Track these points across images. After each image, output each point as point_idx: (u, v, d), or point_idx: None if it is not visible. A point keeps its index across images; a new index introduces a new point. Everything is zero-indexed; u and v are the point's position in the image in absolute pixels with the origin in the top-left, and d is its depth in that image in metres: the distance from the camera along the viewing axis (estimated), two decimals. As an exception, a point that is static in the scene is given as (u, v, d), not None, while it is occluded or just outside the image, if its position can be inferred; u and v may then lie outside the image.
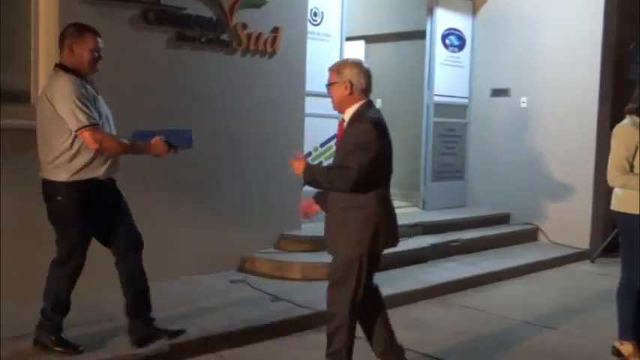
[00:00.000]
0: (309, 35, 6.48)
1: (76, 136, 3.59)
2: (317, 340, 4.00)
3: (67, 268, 3.77)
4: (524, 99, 8.20)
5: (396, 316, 5.15)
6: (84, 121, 3.53)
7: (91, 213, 3.73)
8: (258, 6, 5.84)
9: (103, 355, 3.83)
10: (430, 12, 8.22)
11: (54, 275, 3.80)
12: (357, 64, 3.53)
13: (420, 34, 8.48)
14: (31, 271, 4.28)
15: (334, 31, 7.12)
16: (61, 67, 3.71)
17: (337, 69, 3.53)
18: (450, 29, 8.34)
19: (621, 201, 4.22)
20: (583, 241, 7.71)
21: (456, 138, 8.62)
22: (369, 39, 9.58)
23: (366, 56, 9.59)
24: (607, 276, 6.42)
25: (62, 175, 3.62)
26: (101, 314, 4.43)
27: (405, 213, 7.70)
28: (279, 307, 4.90)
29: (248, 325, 4.47)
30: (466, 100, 8.66)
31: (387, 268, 6.08)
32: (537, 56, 8.03)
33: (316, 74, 5.97)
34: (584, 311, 5.56)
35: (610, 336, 4.36)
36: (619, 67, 7.74)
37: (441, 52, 8.26)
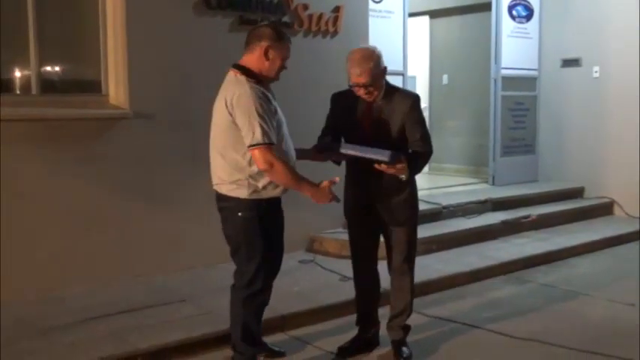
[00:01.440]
0: (370, 13, 6.42)
1: None
2: (383, 315, 4.00)
3: (249, 292, 3.42)
4: (596, 68, 7.92)
5: (470, 294, 5.18)
6: (259, 138, 3.17)
7: (270, 233, 3.44)
8: (318, -14, 5.83)
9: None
10: (495, -17, 8.01)
11: (236, 302, 3.49)
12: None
13: (485, 7, 8.27)
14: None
15: (396, 7, 7.04)
16: (242, 69, 3.32)
17: (374, 62, 3.48)
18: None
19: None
20: (662, 214, 7.44)
21: (526, 111, 8.40)
22: (433, 14, 9.43)
23: (431, 32, 9.50)
24: (689, 249, 6.18)
25: (243, 192, 3.32)
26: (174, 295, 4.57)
27: (475, 189, 7.60)
28: (347, 286, 4.91)
29: (317, 305, 4.52)
30: (535, 72, 8.42)
31: (457, 245, 6.07)
32: (609, 23, 7.73)
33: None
34: (664, 286, 5.37)
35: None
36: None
37: (508, 24, 8.05)
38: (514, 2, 8.08)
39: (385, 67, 3.55)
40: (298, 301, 4.57)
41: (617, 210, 7.84)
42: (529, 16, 8.27)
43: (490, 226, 6.52)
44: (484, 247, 6.13)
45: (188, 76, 5.17)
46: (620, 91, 7.70)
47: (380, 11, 6.81)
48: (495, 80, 8.05)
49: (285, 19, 5.66)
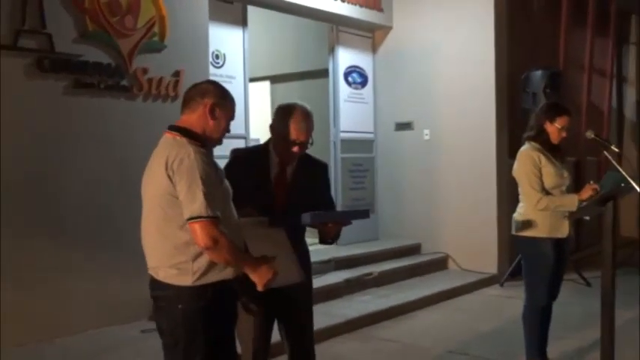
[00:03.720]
0: (212, 77, 6.46)
1: None
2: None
3: None
4: (427, 131, 8.45)
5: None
6: (201, 209, 2.67)
7: (217, 329, 2.86)
8: (159, 50, 5.81)
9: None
10: (331, 51, 8.40)
11: None
12: None
13: (323, 73, 8.64)
14: None
15: (237, 72, 7.16)
16: (181, 131, 2.86)
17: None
18: (351, 67, 8.54)
19: (519, 225, 4.41)
20: (491, 267, 7.94)
21: (365, 172, 8.77)
22: (274, 79, 9.68)
23: (272, 96, 9.72)
24: (515, 299, 6.59)
25: (185, 279, 2.77)
26: None
27: (318, 249, 7.69)
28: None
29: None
30: (372, 135, 8.85)
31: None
32: (436, 89, 8.32)
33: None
34: (495, 334, 5.71)
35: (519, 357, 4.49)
36: (513, 97, 8.12)
37: (344, 90, 8.43)
38: (349, 69, 8.50)
39: None
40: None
41: (451, 264, 8.29)
42: (364, 83, 8.72)
43: (335, 284, 6.65)
44: (330, 306, 6.22)
45: (18, 139, 4.92)
46: (448, 152, 8.25)
47: (221, 76, 6.87)
48: (335, 143, 8.35)
49: (124, 82, 5.57)
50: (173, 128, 2.89)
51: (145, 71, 5.69)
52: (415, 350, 5.31)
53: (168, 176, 2.74)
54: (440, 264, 8.23)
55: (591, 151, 8.91)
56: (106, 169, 5.44)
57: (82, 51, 5.28)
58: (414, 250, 8.40)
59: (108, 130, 5.48)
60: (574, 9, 9.39)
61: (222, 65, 6.97)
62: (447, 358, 5.09)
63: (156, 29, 5.79)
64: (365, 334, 5.72)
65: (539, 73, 7.74)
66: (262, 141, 9.37)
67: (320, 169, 3.58)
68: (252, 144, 7.53)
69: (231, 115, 2.97)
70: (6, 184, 4.84)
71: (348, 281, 6.79)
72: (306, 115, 3.37)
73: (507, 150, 7.85)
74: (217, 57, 6.88)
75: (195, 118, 2.87)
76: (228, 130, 2.97)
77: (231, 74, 7.06)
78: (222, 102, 2.91)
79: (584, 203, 4.13)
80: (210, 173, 2.75)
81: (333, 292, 6.52)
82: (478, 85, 7.98)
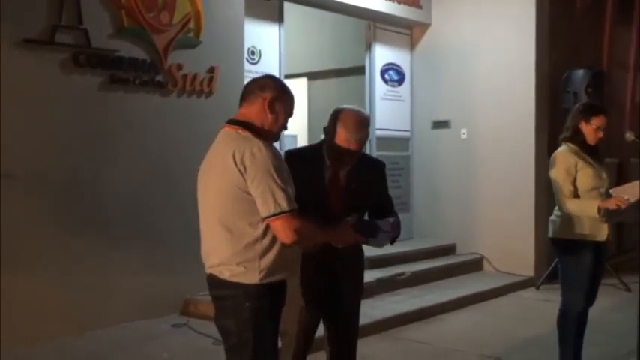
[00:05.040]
0: (246, 74, 6.47)
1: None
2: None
3: None
4: (464, 130, 8.33)
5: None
6: (283, 205, 2.63)
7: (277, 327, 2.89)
8: (193, 46, 5.83)
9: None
10: (368, 48, 8.33)
11: None
12: None
13: (360, 70, 8.58)
14: None
15: (273, 69, 7.13)
16: (242, 124, 2.78)
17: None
18: (388, 64, 8.46)
19: (557, 227, 4.31)
20: (528, 269, 7.80)
21: (400, 171, 8.68)
22: (311, 76, 9.66)
23: (309, 92, 9.71)
24: (552, 302, 6.41)
25: (252, 277, 2.72)
26: None
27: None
28: (220, 350, 4.77)
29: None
30: (408, 133, 8.76)
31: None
32: (475, 88, 8.19)
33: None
34: (529, 339, 5.59)
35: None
36: (553, 97, 7.95)
37: (380, 87, 8.36)
38: (386, 66, 8.42)
39: None
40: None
41: (486, 265, 8.16)
42: (401, 80, 8.63)
43: (366, 284, 6.56)
44: (361, 305, 6.15)
45: (55, 134, 5.00)
46: (486, 152, 8.12)
47: (256, 72, 6.85)
48: (370, 141, 8.28)
49: (159, 78, 5.60)
50: (233, 122, 2.81)
51: (179, 67, 5.71)
52: (446, 353, 5.23)
53: (239, 172, 2.64)
54: (475, 265, 8.11)
55: (635, 152, 8.67)
56: (140, 164, 5.49)
57: (118, 47, 5.32)
58: (448, 250, 8.29)
59: (142, 126, 5.52)
60: (619, 6, 9.15)
61: (257, 61, 6.96)
62: (477, 361, 5.01)
63: (191, 25, 5.81)
64: (395, 335, 5.66)
65: (580, 72, 7.58)
66: (299, 138, 9.50)
67: (377, 169, 3.45)
68: (288, 140, 7.54)
69: (289, 111, 2.89)
70: (41, 179, 4.90)
71: (379, 280, 6.73)
72: (361, 124, 3.19)
73: (547, 151, 7.67)
74: (253, 53, 6.88)
75: (253, 112, 2.80)
76: (285, 127, 2.91)
77: (266, 71, 7.02)
78: (281, 96, 2.83)
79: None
80: (282, 166, 2.71)
81: (365, 292, 6.43)
82: (517, 84, 7.83)
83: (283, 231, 2.65)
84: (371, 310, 6.03)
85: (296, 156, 3.37)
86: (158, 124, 5.62)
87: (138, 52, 5.45)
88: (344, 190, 3.27)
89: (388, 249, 7.41)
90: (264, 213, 2.64)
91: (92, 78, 5.22)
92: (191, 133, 5.71)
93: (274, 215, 2.63)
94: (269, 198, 2.62)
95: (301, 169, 3.08)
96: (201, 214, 2.85)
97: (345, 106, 3.29)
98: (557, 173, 4.21)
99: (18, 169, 4.77)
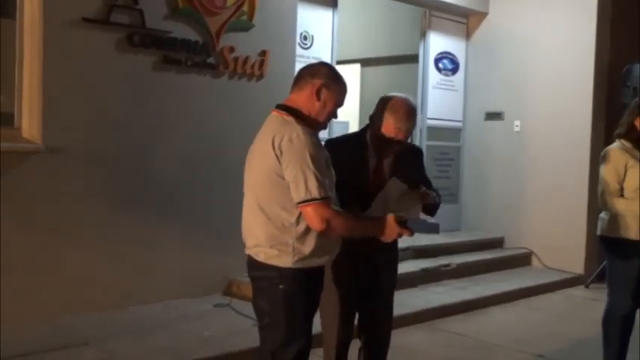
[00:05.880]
0: (298, 59, 6.47)
1: None
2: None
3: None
4: (517, 123, 8.17)
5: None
6: (314, 192, 2.63)
7: (312, 314, 2.90)
8: (246, 29, 5.85)
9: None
10: (423, 36, 8.23)
11: None
12: None
13: (413, 58, 8.49)
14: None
15: (325, 54, 7.13)
16: (288, 110, 2.80)
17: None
18: (442, 53, 8.35)
19: (606, 225, 4.20)
20: (577, 266, 7.63)
21: (450, 161, 8.58)
22: (364, 62, 9.61)
23: (362, 79, 9.66)
24: (600, 302, 6.24)
25: (286, 260, 2.73)
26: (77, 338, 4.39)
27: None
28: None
29: (224, 352, 4.41)
30: (460, 124, 8.64)
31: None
32: (530, 80, 8.01)
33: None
34: (574, 338, 5.47)
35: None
36: (612, 91, 7.72)
37: (434, 76, 8.26)
38: (440, 55, 8.31)
39: None
40: (206, 346, 4.46)
41: (534, 261, 8.01)
42: (455, 70, 8.50)
43: (410, 273, 6.55)
44: (403, 295, 6.12)
45: (106, 112, 5.09)
46: (539, 145, 7.94)
47: (308, 57, 6.86)
48: (421, 130, 8.20)
49: (210, 60, 5.65)
50: (281, 107, 2.82)
51: (231, 50, 5.74)
52: (485, 347, 5.15)
53: (276, 155, 2.66)
54: (522, 260, 7.97)
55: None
56: (189, 143, 5.55)
57: (172, 27, 5.37)
58: (496, 243, 8.17)
59: (193, 107, 5.58)
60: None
61: (309, 46, 6.96)
62: (518, 358, 4.92)
63: (245, 8, 5.83)
64: (435, 326, 5.62)
65: (641, 66, 7.32)
66: (350, 124, 9.43)
67: (417, 156, 3.50)
68: (338, 126, 7.52)
69: (339, 100, 2.86)
70: (92, 154, 5.02)
71: (424, 270, 6.68)
72: (409, 113, 3.16)
73: (602, 147, 7.41)
74: (305, 38, 6.88)
75: (302, 98, 2.80)
76: (335, 116, 2.88)
77: (318, 56, 7.03)
78: (331, 84, 2.81)
79: None
80: (319, 154, 2.70)
81: (408, 281, 6.42)
82: (575, 77, 7.63)
83: (312, 218, 2.66)
84: (413, 299, 6.01)
85: (337, 144, 3.33)
86: (208, 105, 5.68)
87: (191, 34, 5.50)
88: (383, 178, 3.23)
89: (435, 239, 7.43)
90: (295, 198, 2.66)
91: (145, 58, 5.29)
92: (240, 116, 5.75)
93: (305, 202, 2.64)
94: (301, 183, 2.63)
95: (345, 157, 3.08)
96: (244, 196, 2.87)
97: (393, 93, 3.25)
98: (607, 171, 4.11)
99: (70, 144, 4.90)
